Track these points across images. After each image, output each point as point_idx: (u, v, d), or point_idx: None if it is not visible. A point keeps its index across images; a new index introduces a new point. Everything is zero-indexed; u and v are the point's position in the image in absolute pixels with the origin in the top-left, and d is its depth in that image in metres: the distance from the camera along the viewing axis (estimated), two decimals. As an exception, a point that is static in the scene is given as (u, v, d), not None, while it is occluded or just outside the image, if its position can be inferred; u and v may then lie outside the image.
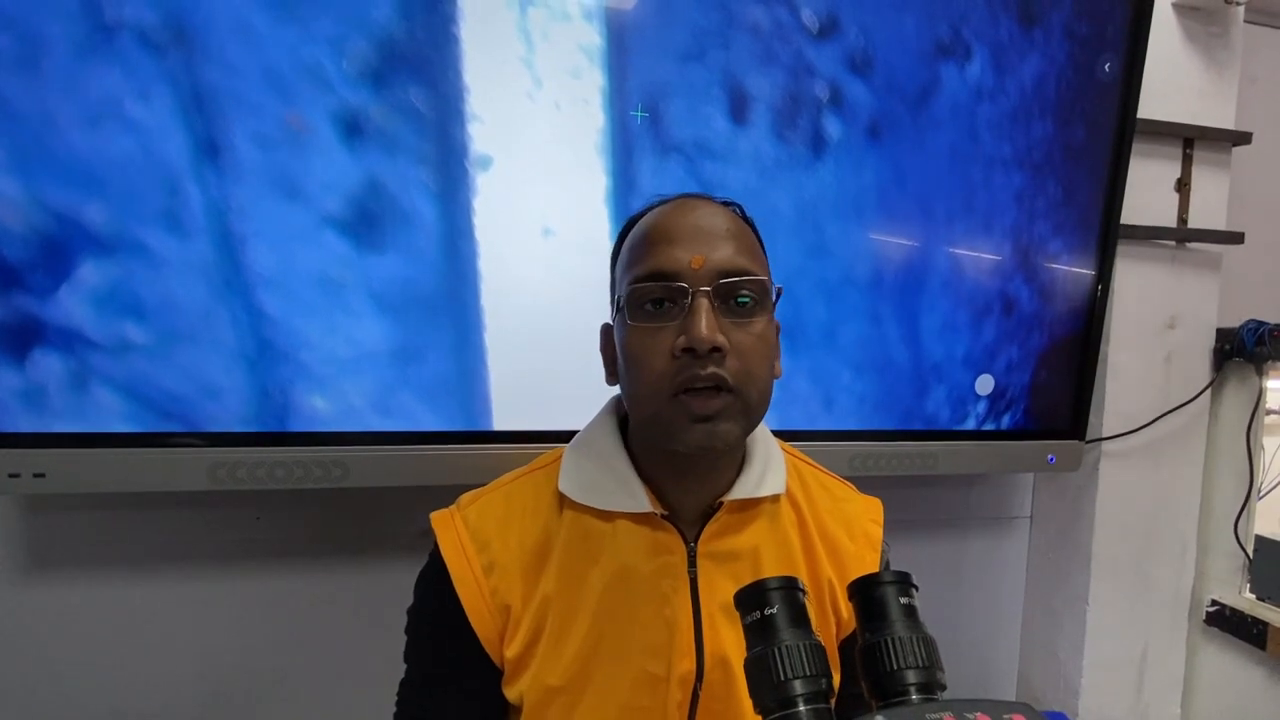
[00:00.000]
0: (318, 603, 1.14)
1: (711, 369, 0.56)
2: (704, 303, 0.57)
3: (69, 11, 0.82)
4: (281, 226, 0.91)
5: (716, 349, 0.56)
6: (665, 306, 0.58)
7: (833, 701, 0.37)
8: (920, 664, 0.35)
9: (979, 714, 0.28)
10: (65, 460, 0.89)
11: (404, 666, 0.69)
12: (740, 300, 0.59)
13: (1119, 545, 1.38)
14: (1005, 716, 0.28)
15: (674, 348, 0.57)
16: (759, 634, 0.39)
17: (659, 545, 0.64)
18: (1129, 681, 1.42)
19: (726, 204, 0.65)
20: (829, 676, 0.37)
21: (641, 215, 0.65)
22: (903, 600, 0.39)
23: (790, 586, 0.40)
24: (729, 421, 0.58)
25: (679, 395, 0.57)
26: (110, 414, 0.90)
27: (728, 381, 0.57)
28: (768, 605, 0.38)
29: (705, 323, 0.56)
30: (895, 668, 0.36)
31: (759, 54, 1.04)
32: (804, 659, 0.36)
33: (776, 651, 0.37)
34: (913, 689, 0.35)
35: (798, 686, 0.36)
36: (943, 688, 0.36)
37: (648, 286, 0.59)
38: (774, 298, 0.62)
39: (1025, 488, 1.50)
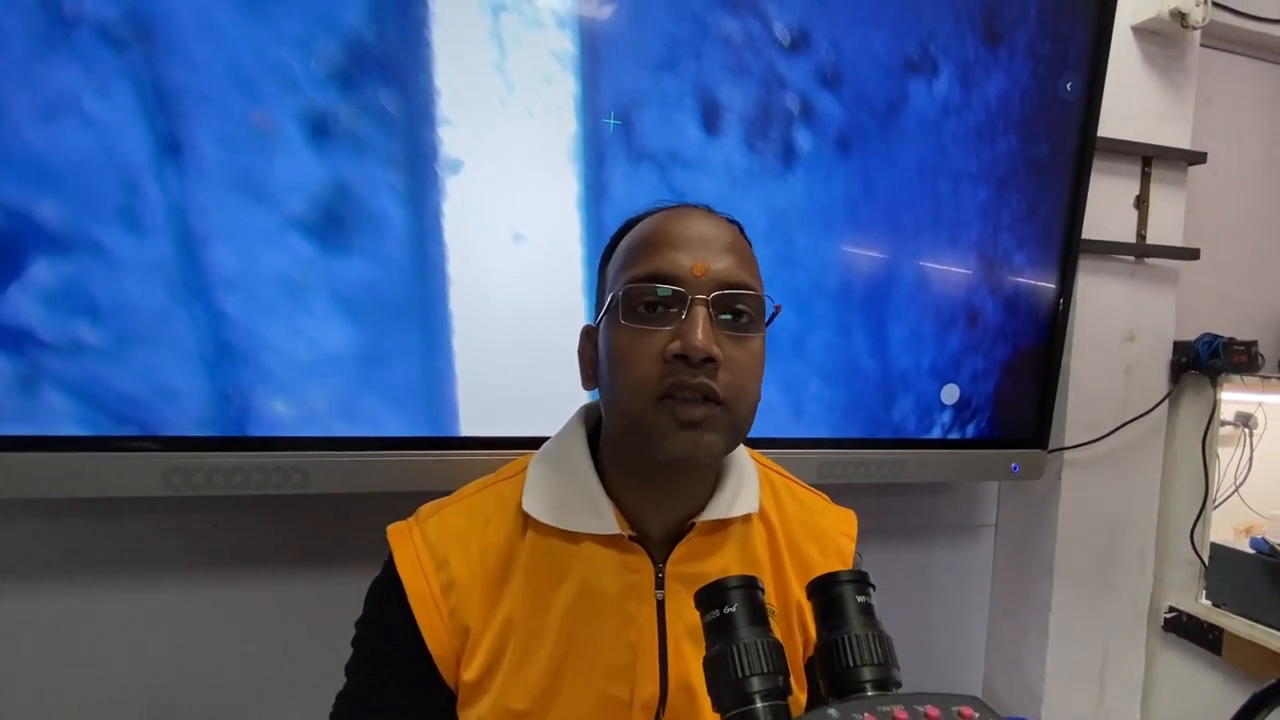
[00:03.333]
0: (276, 612, 1.11)
1: (701, 379, 0.55)
2: (702, 310, 0.55)
3: (25, 4, 0.80)
4: (244, 227, 0.89)
5: (710, 359, 0.55)
6: (660, 310, 0.57)
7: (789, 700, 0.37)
8: (876, 661, 0.36)
9: (929, 706, 0.28)
10: (13, 464, 0.86)
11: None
12: (738, 314, 0.58)
13: (1080, 553, 1.41)
14: (954, 709, 0.28)
15: (665, 352, 0.55)
16: (718, 632, 0.38)
17: (626, 566, 0.63)
18: (1090, 687, 1.45)
19: (729, 220, 0.64)
20: (786, 675, 0.37)
21: (641, 218, 0.64)
22: (860, 599, 0.39)
23: (749, 585, 0.40)
24: (714, 433, 0.56)
25: (664, 399, 0.56)
26: (61, 417, 0.87)
27: (717, 394, 0.55)
28: (727, 604, 0.38)
29: (702, 331, 0.54)
30: (852, 664, 0.36)
31: (731, 65, 1.05)
32: (761, 657, 0.36)
33: (735, 649, 0.36)
34: (868, 685, 0.35)
35: (755, 684, 0.35)
36: (898, 685, 0.36)
37: (645, 286, 0.57)
38: (769, 316, 0.61)
39: (990, 496, 1.53)
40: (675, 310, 0.56)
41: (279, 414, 0.93)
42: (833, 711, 0.28)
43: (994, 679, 1.53)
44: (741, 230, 0.65)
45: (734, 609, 0.38)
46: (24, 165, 0.82)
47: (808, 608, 0.68)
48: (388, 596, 0.63)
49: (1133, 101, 1.36)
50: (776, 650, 0.37)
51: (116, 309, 0.87)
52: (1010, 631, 1.49)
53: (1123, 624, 1.45)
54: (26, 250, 0.84)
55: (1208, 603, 1.39)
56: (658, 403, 0.56)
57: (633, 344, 0.57)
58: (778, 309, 0.62)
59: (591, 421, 0.69)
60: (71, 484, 0.88)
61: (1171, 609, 1.43)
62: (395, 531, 0.65)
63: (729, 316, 0.58)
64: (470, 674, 0.62)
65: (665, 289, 0.56)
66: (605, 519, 0.62)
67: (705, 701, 0.38)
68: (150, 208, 0.86)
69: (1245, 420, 1.44)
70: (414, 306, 0.97)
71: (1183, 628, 1.41)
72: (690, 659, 0.63)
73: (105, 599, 1.04)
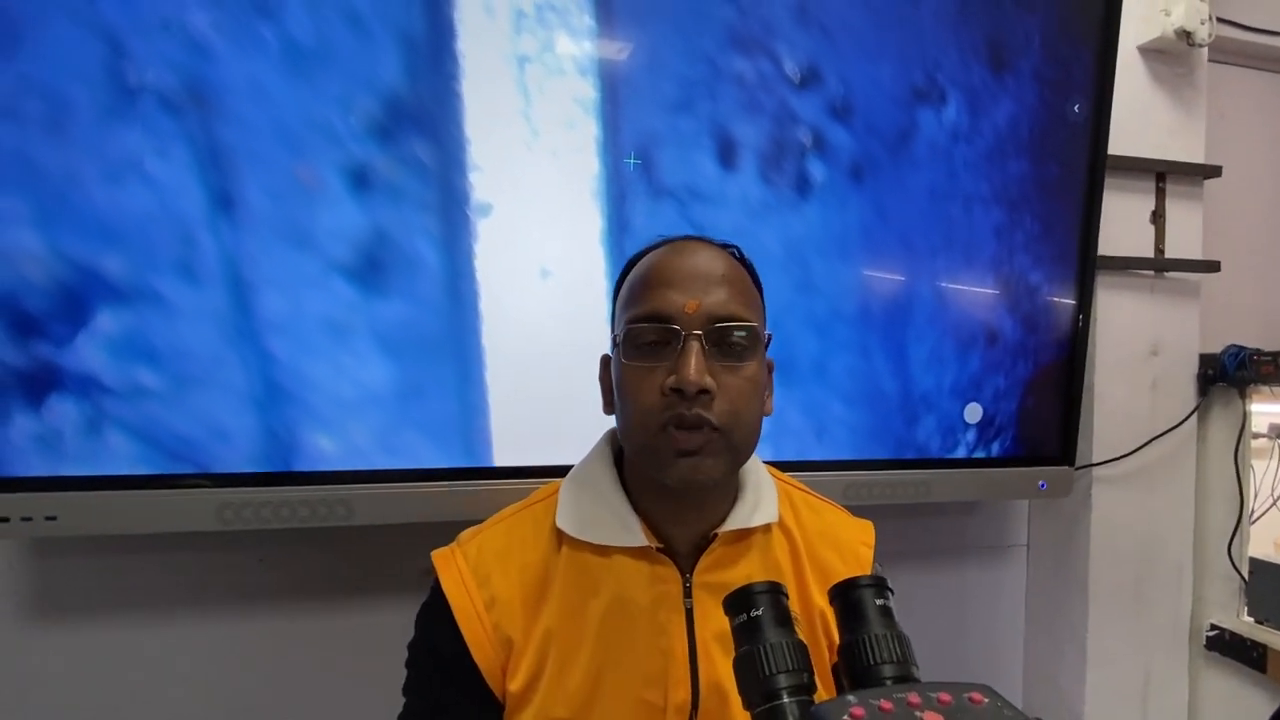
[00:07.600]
0: (323, 641, 1.14)
1: (697, 410, 0.59)
2: (695, 345, 0.59)
3: (93, 76, 0.88)
4: (291, 274, 0.95)
5: (704, 391, 0.58)
6: (658, 347, 0.61)
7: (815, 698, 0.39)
8: (895, 659, 0.38)
9: (941, 693, 0.30)
10: (77, 503, 0.91)
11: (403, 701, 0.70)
12: (731, 344, 0.61)
13: (1115, 571, 1.39)
14: (965, 695, 0.30)
15: (664, 386, 0.59)
16: (746, 634, 0.41)
17: (656, 577, 0.66)
18: (1133, 710, 1.42)
19: (725, 247, 0.67)
20: (811, 672, 0.40)
21: (643, 254, 0.68)
22: (879, 601, 0.41)
23: (774, 590, 0.43)
24: (712, 458, 0.60)
25: (666, 428, 0.59)
26: (121, 457, 0.93)
27: (712, 422, 0.59)
28: (754, 608, 0.41)
29: (694, 365, 0.58)
30: (872, 662, 0.38)
31: (745, 103, 1.10)
32: (787, 655, 0.39)
33: (761, 650, 0.39)
34: (889, 681, 0.37)
35: (782, 680, 0.38)
36: (917, 681, 0.38)
37: (643, 328, 0.61)
38: (765, 343, 0.65)
39: (1021, 516, 1.52)
40: (672, 346, 0.60)
41: (324, 449, 0.98)
42: (851, 697, 0.30)
43: (1033, 702, 1.51)
44: (740, 255, 0.68)
45: (760, 612, 0.41)
46: (91, 223, 0.89)
47: (830, 613, 0.70)
48: (436, 616, 0.67)
49: (1144, 119, 1.38)
50: (801, 650, 0.40)
51: (174, 354, 0.92)
52: (1047, 653, 1.47)
53: (1163, 643, 1.43)
54: (93, 302, 0.90)
55: (1250, 619, 1.36)
56: (660, 431, 0.60)
57: (636, 379, 0.61)
58: (769, 338, 0.65)
59: (616, 444, 0.72)
60: (132, 521, 0.93)
61: (1213, 627, 1.40)
62: (439, 556, 0.69)
63: (723, 347, 0.61)
64: (515, 685, 0.65)
65: (660, 328, 0.61)
66: (633, 532, 0.65)
67: (736, 703, 0.41)
68: (205, 259, 0.93)
69: (1279, 433, 1.43)
70: (449, 343, 1.01)
71: (1225, 646, 1.38)
72: (720, 663, 0.66)
73: (160, 632, 1.08)
